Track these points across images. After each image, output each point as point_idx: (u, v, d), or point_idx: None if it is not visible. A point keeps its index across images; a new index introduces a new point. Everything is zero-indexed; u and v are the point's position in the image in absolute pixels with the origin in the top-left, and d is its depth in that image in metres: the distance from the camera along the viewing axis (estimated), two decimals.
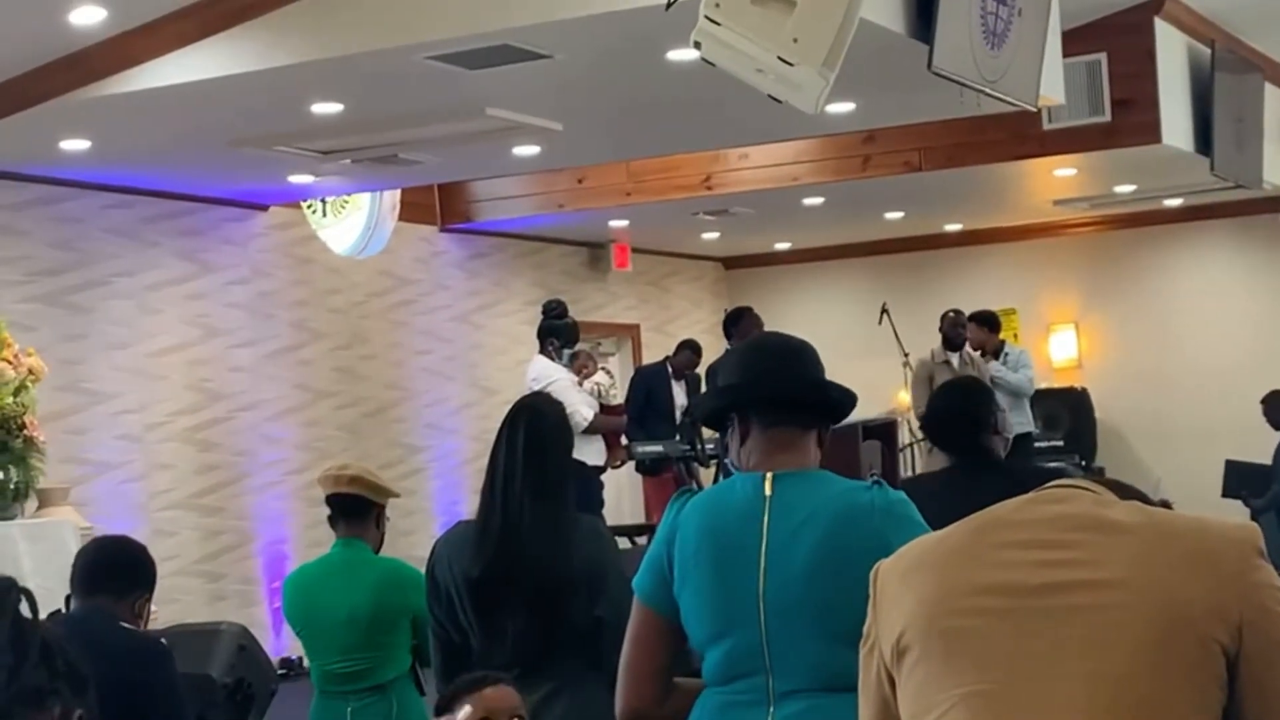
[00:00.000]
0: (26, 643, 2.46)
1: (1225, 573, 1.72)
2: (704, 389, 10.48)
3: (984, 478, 4.14)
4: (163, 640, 3.77)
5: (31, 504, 7.68)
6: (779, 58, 4.72)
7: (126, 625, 3.75)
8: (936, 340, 11.60)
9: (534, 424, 3.89)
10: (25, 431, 7.65)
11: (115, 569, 3.86)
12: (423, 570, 5.05)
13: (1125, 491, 1.88)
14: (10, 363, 7.69)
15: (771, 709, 2.86)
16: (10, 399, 7.61)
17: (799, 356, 3.08)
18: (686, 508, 2.99)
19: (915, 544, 1.93)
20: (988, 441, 4.33)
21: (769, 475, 2.92)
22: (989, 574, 1.79)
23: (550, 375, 9.92)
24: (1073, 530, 1.78)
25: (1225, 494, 11.89)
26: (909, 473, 11.79)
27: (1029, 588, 1.76)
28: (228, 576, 9.88)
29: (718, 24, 4.78)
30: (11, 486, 7.59)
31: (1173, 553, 1.74)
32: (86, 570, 3.84)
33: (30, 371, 7.80)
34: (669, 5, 5.09)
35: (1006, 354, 11.71)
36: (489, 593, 3.76)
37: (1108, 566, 1.74)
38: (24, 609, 2.51)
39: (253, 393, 10.18)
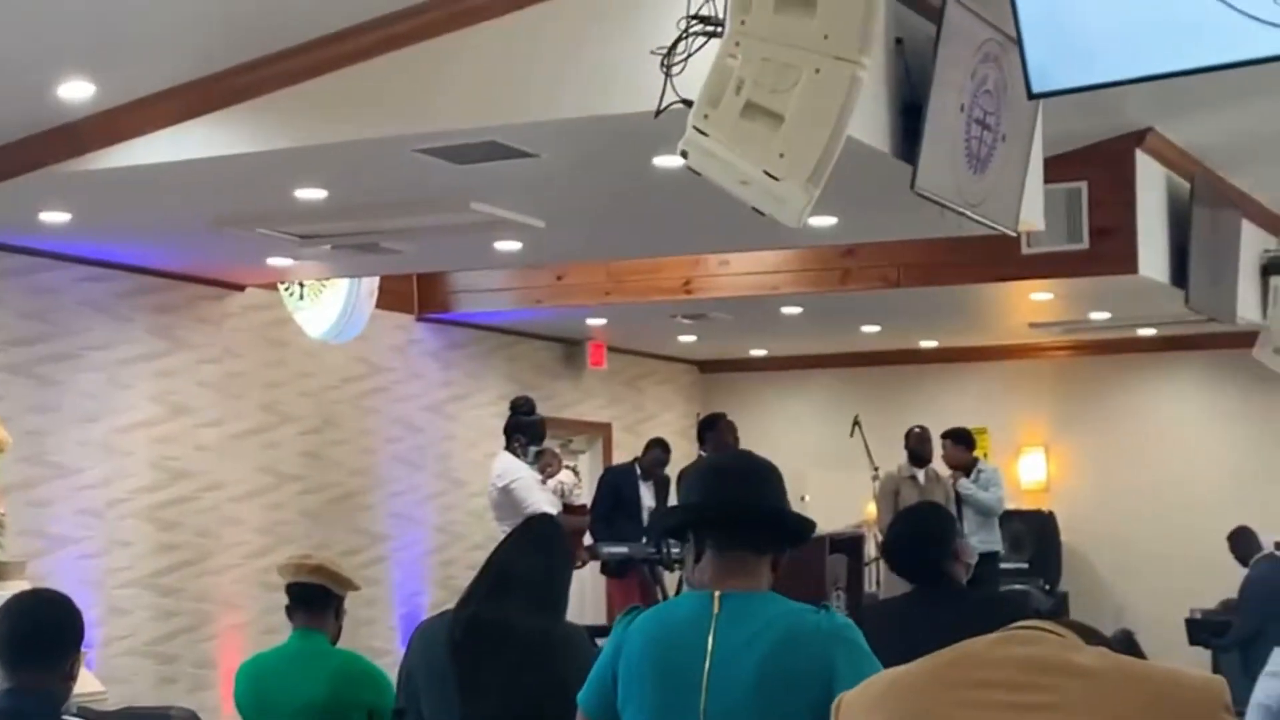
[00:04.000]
0: None
1: None
2: (674, 492, 10.44)
3: (944, 605, 4.13)
4: None
5: None
6: (765, 172, 4.73)
7: (68, 718, 3.54)
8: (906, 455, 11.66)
9: (545, 533, 3.92)
10: None
11: (45, 636, 3.58)
12: (380, 664, 5.03)
13: (1091, 636, 1.86)
14: None
15: None
16: None
17: (760, 480, 3.10)
18: (634, 624, 3.01)
19: (880, 676, 1.91)
20: (948, 568, 4.30)
21: (717, 594, 2.93)
22: (955, 713, 1.76)
23: (514, 472, 9.90)
24: (1041, 673, 1.76)
25: (1193, 643, 11.90)
26: (874, 587, 11.77)
27: None
28: (181, 659, 9.75)
29: (705, 135, 4.80)
30: None
31: (1139, 703, 1.72)
32: (13, 641, 3.55)
33: None
34: (658, 112, 5.12)
35: (980, 471, 11.75)
36: (473, 646, 3.72)
37: (1073, 713, 1.71)
38: None
39: (217, 473, 10.11)
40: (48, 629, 3.61)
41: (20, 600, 3.79)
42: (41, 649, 3.56)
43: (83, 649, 3.66)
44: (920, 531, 4.40)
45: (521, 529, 4.04)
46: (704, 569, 3.01)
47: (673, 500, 11.25)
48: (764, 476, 3.11)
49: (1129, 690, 1.73)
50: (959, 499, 11.61)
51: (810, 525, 3.12)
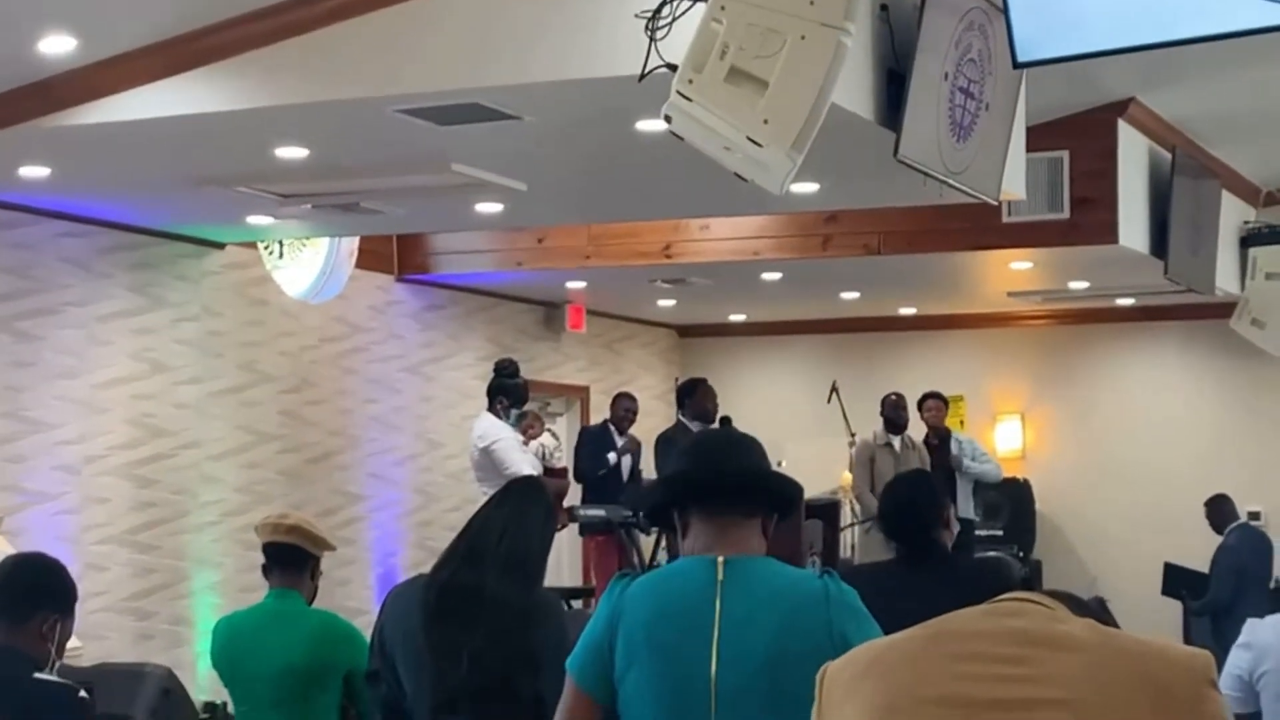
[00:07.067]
0: None
1: (1176, 702, 1.71)
2: (655, 455, 10.44)
3: (929, 572, 4.17)
4: (81, 691, 3.57)
5: None
6: (748, 138, 4.74)
7: (40, 676, 3.53)
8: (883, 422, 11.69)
9: (527, 497, 3.90)
10: None
11: (13, 589, 3.63)
12: (356, 624, 5.03)
13: (1080, 607, 1.87)
14: None
15: None
16: None
17: (738, 446, 3.10)
18: (631, 589, 2.96)
19: (866, 648, 1.91)
20: (938, 535, 4.35)
21: (720, 559, 2.90)
22: (941, 685, 1.77)
23: (496, 433, 9.90)
24: (1027, 645, 1.77)
25: (1165, 592, 11.96)
26: (848, 553, 11.81)
27: (981, 702, 1.74)
28: (157, 615, 9.75)
29: (689, 100, 4.80)
30: None
31: (1124, 676, 1.73)
32: None
33: None
34: (642, 77, 5.11)
35: (959, 441, 11.74)
36: (445, 612, 3.72)
37: (1058, 685, 1.72)
38: None
39: (195, 431, 10.09)
40: (14, 587, 3.63)
41: (2, 562, 3.82)
42: (11, 603, 3.58)
43: (65, 613, 3.66)
44: (916, 499, 4.44)
45: (502, 493, 4.01)
46: (694, 539, 2.99)
47: (647, 465, 11.27)
48: (741, 443, 3.11)
49: (1115, 663, 1.74)
50: (934, 466, 11.64)
51: (795, 486, 3.11)
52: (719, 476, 3.02)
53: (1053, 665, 1.74)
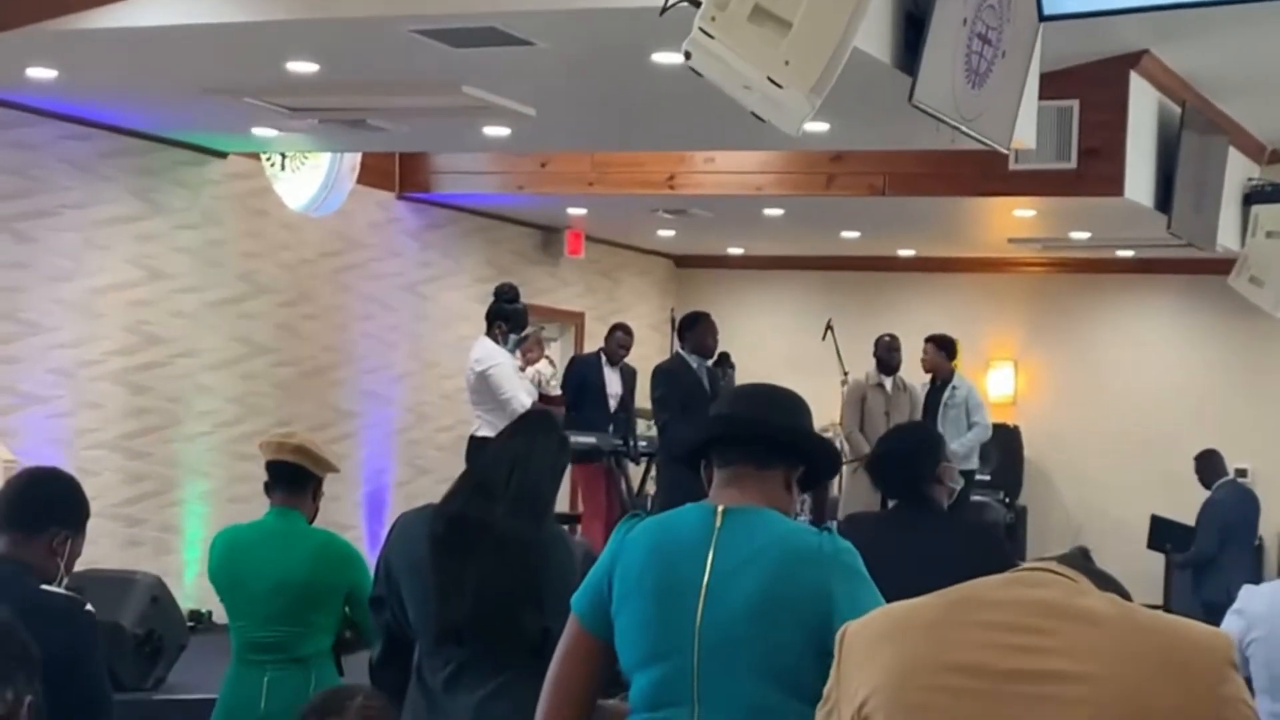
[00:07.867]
0: None
1: (1196, 681, 1.72)
2: (652, 386, 10.45)
3: (922, 527, 4.16)
4: (89, 606, 3.59)
5: None
6: (769, 78, 4.72)
7: (46, 588, 3.53)
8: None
9: (541, 432, 3.91)
10: None
11: (28, 502, 3.63)
12: (353, 543, 5.04)
13: (1104, 582, 1.88)
14: None
15: None
16: None
17: (767, 402, 3.11)
18: (634, 531, 3.00)
19: (887, 610, 1.92)
20: (927, 490, 4.31)
21: (720, 508, 2.94)
22: (962, 653, 1.78)
23: (493, 358, 9.89)
24: (1049, 617, 1.78)
25: (1151, 545, 12.03)
26: (836, 493, 11.84)
27: (1000, 672, 1.75)
28: (147, 523, 9.78)
29: (711, 37, 4.77)
30: None
31: (1145, 653, 1.74)
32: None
33: None
34: (664, 10, 5.07)
35: (955, 387, 11.69)
36: (453, 543, 3.73)
37: (1079, 659, 1.74)
38: None
39: (191, 340, 10.08)
40: (27, 500, 3.64)
41: (17, 475, 3.84)
42: (22, 514, 3.61)
43: (76, 530, 3.67)
44: (905, 452, 4.41)
45: (515, 425, 4.01)
46: (714, 486, 3.02)
47: (642, 393, 11.28)
48: (772, 398, 3.11)
49: (1136, 639, 1.75)
50: (927, 409, 11.62)
51: (825, 443, 3.12)
52: (731, 426, 3.04)
53: (1074, 638, 1.76)
